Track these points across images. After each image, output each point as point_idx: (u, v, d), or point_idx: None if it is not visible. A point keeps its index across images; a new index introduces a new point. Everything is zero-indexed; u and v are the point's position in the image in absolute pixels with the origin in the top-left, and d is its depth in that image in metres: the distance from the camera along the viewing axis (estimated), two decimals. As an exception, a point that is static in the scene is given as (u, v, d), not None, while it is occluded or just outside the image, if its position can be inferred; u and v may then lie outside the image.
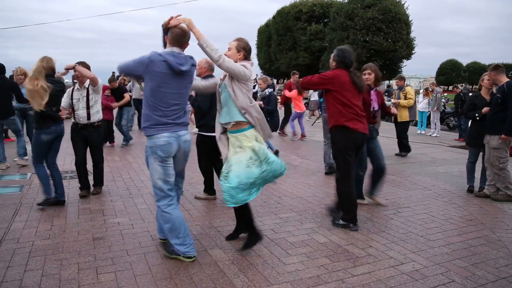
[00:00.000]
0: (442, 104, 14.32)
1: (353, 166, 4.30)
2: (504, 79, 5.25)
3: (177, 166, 3.44)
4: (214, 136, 3.69)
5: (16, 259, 3.40)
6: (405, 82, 9.40)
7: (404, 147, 8.67)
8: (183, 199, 5.18)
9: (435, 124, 12.55)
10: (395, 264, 3.43)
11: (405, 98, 8.80)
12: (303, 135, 10.84)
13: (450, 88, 75.97)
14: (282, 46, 41.33)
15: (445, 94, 27.11)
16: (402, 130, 8.73)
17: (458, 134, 11.76)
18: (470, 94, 11.40)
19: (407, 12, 35.40)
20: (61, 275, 3.13)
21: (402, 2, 35.34)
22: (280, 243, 3.81)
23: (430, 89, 13.00)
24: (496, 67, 5.39)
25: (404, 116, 8.73)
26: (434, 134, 12.39)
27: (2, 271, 3.18)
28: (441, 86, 54.02)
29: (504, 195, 5.30)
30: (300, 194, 5.55)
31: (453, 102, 13.53)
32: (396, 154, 8.69)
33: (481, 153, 5.72)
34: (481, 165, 5.73)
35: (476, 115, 5.55)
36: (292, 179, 6.31)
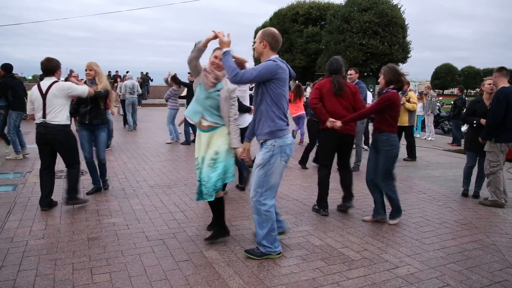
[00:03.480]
0: (437, 108, 14.39)
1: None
2: (502, 84, 5.15)
3: None
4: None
5: (10, 259, 3.37)
6: (409, 87, 9.30)
7: (411, 153, 8.72)
8: (179, 200, 5.17)
9: (429, 128, 12.61)
10: (390, 267, 3.44)
11: (408, 102, 8.75)
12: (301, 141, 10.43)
13: (447, 91, 76.42)
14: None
15: (440, 98, 27.27)
16: (406, 135, 8.72)
17: (452, 139, 11.82)
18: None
19: (403, 16, 35.61)
20: (55, 276, 3.11)
21: (399, 6, 35.54)
22: (275, 245, 3.81)
23: (425, 93, 13.05)
24: (501, 69, 5.23)
25: (403, 120, 8.70)
26: (429, 138, 12.45)
27: (-5, 271, 3.15)
28: (436, 90, 54.27)
29: (492, 201, 5.31)
30: (295, 196, 5.55)
31: (448, 106, 13.61)
32: (404, 159, 8.69)
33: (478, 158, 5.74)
34: (477, 170, 5.77)
35: (474, 122, 5.52)
36: (287, 182, 6.31)
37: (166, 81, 10.40)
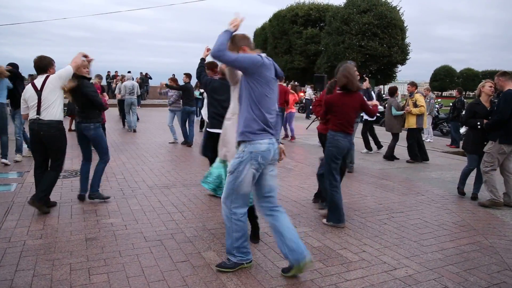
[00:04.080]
0: (436, 109, 14.38)
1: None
2: (509, 87, 5.22)
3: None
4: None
5: (7, 259, 3.36)
6: (416, 89, 9.19)
7: (412, 154, 8.66)
8: (178, 201, 5.16)
9: (428, 130, 12.60)
10: (388, 269, 3.43)
11: (415, 105, 8.71)
12: (293, 137, 11.48)
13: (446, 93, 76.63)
14: (277, 49, 41.30)
15: (439, 99, 27.29)
16: (410, 137, 8.68)
17: (450, 140, 11.83)
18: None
19: (402, 18, 35.66)
20: (52, 276, 3.10)
21: (398, 8, 35.57)
22: (274, 247, 3.80)
23: (424, 95, 13.04)
24: (504, 73, 5.33)
25: (411, 122, 8.66)
26: (428, 140, 12.44)
27: (-8, 271, 3.14)
28: (434, 92, 54.32)
29: (490, 200, 5.36)
30: (294, 197, 5.55)
31: (447, 108, 13.62)
32: (407, 161, 8.62)
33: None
34: (476, 172, 5.77)
35: (478, 123, 5.47)
36: (286, 183, 6.31)
37: (160, 92, 10.47)
